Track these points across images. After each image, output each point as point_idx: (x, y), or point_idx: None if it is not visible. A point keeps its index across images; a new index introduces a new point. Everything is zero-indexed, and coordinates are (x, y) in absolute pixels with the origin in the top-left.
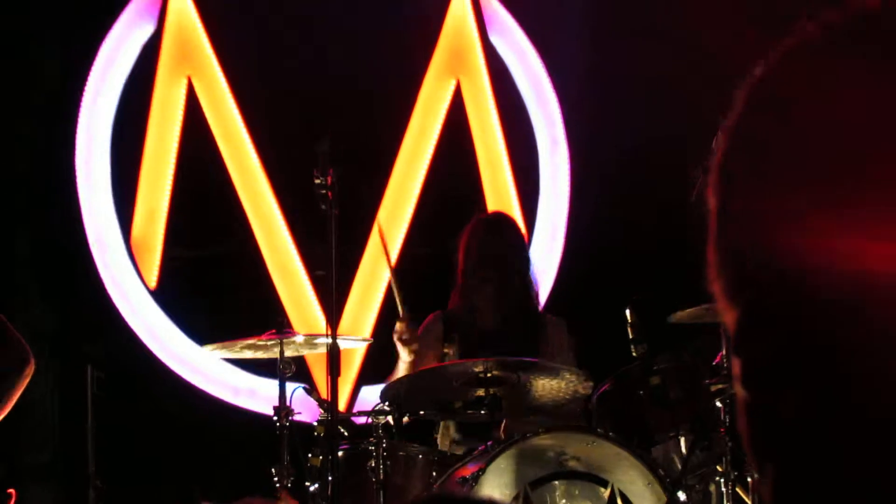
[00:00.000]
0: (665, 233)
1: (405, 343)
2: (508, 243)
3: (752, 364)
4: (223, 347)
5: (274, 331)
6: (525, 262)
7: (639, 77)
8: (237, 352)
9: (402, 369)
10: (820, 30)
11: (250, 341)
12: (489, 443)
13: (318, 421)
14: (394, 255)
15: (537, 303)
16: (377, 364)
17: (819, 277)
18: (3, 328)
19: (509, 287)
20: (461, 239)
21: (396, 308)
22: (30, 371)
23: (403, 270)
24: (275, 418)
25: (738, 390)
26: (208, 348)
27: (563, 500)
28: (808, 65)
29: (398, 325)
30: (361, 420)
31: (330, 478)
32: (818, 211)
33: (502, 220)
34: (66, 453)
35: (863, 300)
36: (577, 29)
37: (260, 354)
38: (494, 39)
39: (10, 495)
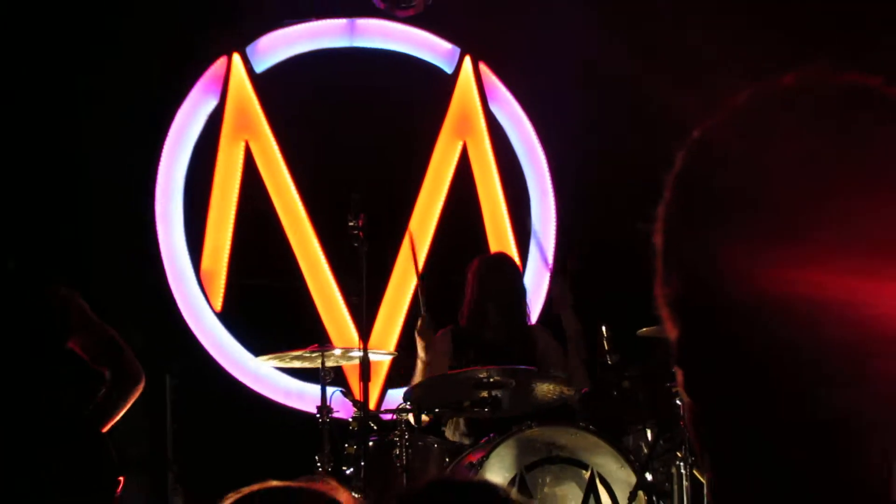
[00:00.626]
0: (634, 266)
1: (422, 336)
2: (508, 279)
3: (690, 374)
4: (275, 358)
5: (316, 345)
6: (521, 291)
7: (615, 133)
8: (287, 362)
9: (419, 370)
10: (748, 99)
11: (297, 353)
12: (491, 435)
13: (352, 417)
14: (412, 287)
15: (528, 320)
16: (401, 372)
17: (732, 303)
18: (119, 347)
19: (508, 311)
20: (469, 272)
21: (417, 315)
22: (141, 387)
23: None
24: (317, 416)
25: (683, 395)
26: (262, 358)
27: (552, 481)
28: (736, 126)
29: (419, 322)
30: (388, 417)
31: (362, 463)
32: (734, 245)
33: (504, 259)
34: (150, 447)
35: (764, 317)
36: (562, 98)
37: (306, 364)
38: (494, 108)
39: (118, 482)
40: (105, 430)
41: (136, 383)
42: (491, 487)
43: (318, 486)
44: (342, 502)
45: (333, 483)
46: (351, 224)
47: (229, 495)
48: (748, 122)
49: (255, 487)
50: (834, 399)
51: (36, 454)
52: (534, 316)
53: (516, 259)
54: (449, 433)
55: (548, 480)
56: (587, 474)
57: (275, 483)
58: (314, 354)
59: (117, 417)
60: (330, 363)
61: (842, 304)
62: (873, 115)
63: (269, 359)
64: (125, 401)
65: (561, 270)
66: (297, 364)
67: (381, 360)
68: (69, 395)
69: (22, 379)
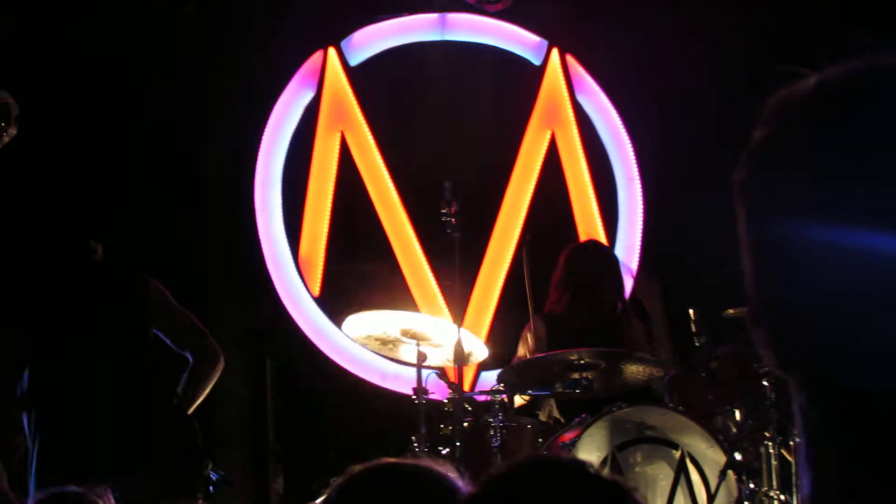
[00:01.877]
0: (720, 248)
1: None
2: (599, 263)
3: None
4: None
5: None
6: (612, 277)
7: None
8: (377, 345)
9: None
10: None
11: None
12: (583, 415)
13: (447, 399)
14: (504, 269)
15: (621, 305)
16: (494, 353)
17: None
18: (200, 330)
19: (600, 295)
20: (562, 257)
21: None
22: (221, 366)
23: (511, 284)
24: (413, 397)
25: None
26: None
27: (643, 460)
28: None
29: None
30: (482, 398)
31: (458, 444)
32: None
33: (595, 245)
34: (252, 426)
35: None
36: (645, 87)
37: (401, 352)
38: (581, 98)
39: (206, 464)
40: (190, 411)
41: (217, 362)
42: (581, 465)
43: (425, 462)
44: (450, 478)
45: (439, 460)
46: (444, 212)
47: (349, 469)
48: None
49: (361, 466)
50: None
51: (127, 438)
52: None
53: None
54: (542, 415)
55: (639, 460)
56: (678, 454)
57: (384, 460)
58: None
59: (201, 398)
60: (424, 348)
61: None
62: None
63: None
64: (208, 381)
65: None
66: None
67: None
68: (156, 379)
69: (114, 365)
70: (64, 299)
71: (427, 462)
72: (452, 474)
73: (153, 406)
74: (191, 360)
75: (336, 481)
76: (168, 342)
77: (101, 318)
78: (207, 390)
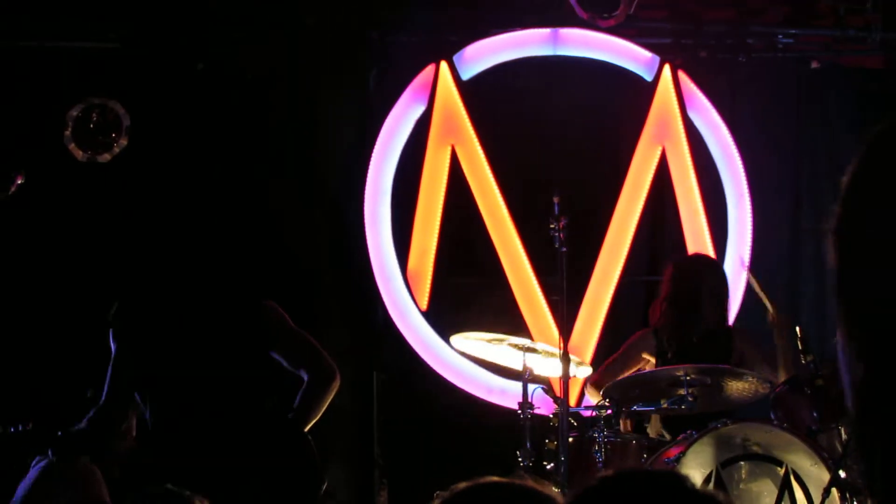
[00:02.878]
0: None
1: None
2: (723, 278)
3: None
4: (473, 338)
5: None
6: (717, 291)
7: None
8: (486, 346)
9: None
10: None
11: (501, 337)
12: (689, 431)
13: (553, 414)
14: (613, 283)
15: (726, 321)
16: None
17: None
18: (316, 349)
19: (706, 311)
20: (668, 271)
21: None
22: (337, 384)
23: (619, 295)
24: (519, 412)
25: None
26: (465, 336)
27: (747, 477)
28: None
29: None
30: (588, 413)
31: (563, 458)
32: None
33: (704, 260)
34: (357, 442)
35: None
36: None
37: (506, 358)
38: (692, 115)
39: (323, 481)
40: (307, 428)
41: (332, 380)
42: (677, 477)
43: (528, 483)
44: (551, 498)
45: (543, 481)
46: (552, 227)
47: (439, 493)
48: None
49: (465, 484)
50: None
51: (246, 457)
52: (732, 313)
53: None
54: (650, 430)
55: (743, 476)
56: (782, 471)
57: (487, 479)
58: (518, 344)
59: (318, 416)
60: (532, 363)
61: None
62: None
63: (471, 336)
64: (324, 399)
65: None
66: (501, 359)
67: (582, 356)
68: (273, 400)
69: (236, 388)
70: (182, 327)
71: (530, 482)
72: (554, 495)
73: (270, 426)
74: (305, 378)
75: (439, 498)
76: (283, 362)
77: (219, 346)
78: (322, 409)
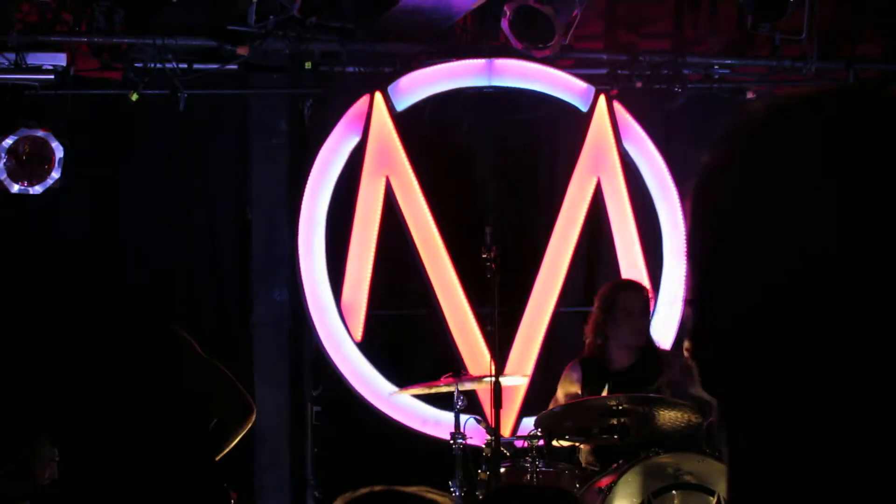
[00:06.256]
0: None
1: None
2: (641, 302)
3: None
4: (410, 391)
5: (451, 375)
6: (645, 317)
7: None
8: (423, 390)
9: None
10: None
11: (430, 387)
12: (620, 461)
13: (485, 444)
14: (549, 313)
15: (657, 347)
16: (537, 398)
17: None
18: (232, 384)
19: (637, 335)
20: (598, 298)
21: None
22: (253, 419)
23: (554, 326)
24: (451, 442)
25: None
26: (398, 391)
27: None
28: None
29: None
30: (520, 443)
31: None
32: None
33: (634, 284)
34: (292, 470)
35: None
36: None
37: (442, 390)
38: (627, 145)
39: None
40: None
41: (249, 415)
42: (558, 489)
43: (421, 492)
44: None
45: (436, 491)
46: (484, 256)
47: (341, 496)
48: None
49: (362, 491)
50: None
51: (158, 486)
52: (668, 343)
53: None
54: (581, 459)
55: None
56: (714, 500)
57: (378, 488)
58: (446, 388)
59: (227, 449)
60: (464, 388)
61: None
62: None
63: (404, 392)
64: (238, 434)
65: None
66: (433, 390)
67: (516, 386)
68: (185, 431)
69: (146, 419)
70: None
71: (421, 490)
72: (444, 503)
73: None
74: (221, 411)
75: None
76: (196, 395)
77: (134, 378)
78: (234, 442)
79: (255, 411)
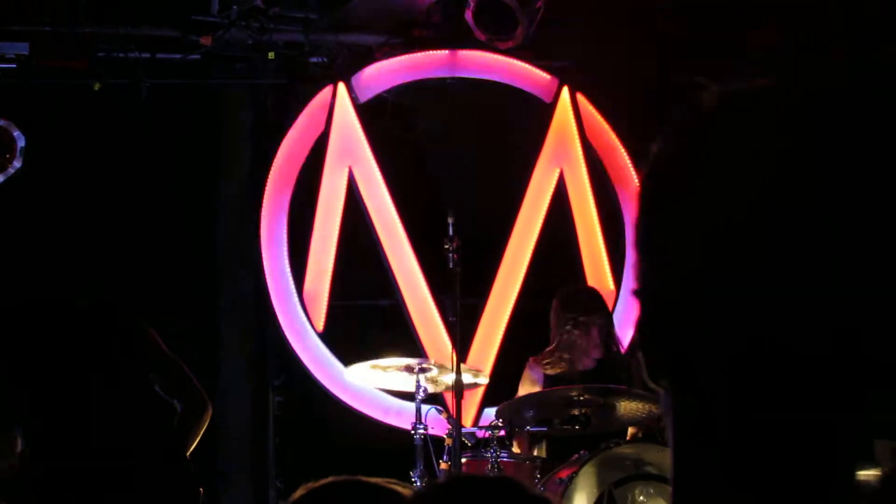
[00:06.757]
0: None
1: None
2: (599, 312)
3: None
4: (370, 365)
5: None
6: (608, 319)
7: None
8: (382, 370)
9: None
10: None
11: (392, 361)
12: (581, 451)
13: (446, 434)
14: (511, 304)
15: (620, 347)
16: (499, 388)
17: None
18: (189, 378)
19: (598, 346)
20: (556, 310)
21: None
22: (209, 414)
23: (517, 320)
24: (412, 432)
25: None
26: (356, 366)
27: (641, 497)
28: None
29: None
30: (482, 434)
31: None
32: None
33: (588, 298)
34: (253, 462)
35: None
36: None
37: (403, 384)
38: (591, 137)
39: (199, 493)
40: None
41: (206, 410)
42: (510, 480)
43: (387, 482)
44: (399, 494)
45: (400, 482)
46: (447, 247)
47: (304, 486)
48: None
49: (325, 481)
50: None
51: (124, 480)
52: (626, 342)
53: (610, 284)
54: (539, 451)
55: (636, 497)
56: None
57: (341, 478)
58: (405, 364)
59: (192, 446)
60: (426, 383)
61: None
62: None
63: (364, 365)
64: (199, 429)
65: None
66: (395, 384)
67: (473, 381)
68: (150, 424)
69: (111, 410)
70: (60, 350)
71: (375, 480)
72: (401, 492)
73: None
74: (179, 408)
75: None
76: (157, 389)
77: (100, 367)
78: (198, 439)
79: (210, 407)
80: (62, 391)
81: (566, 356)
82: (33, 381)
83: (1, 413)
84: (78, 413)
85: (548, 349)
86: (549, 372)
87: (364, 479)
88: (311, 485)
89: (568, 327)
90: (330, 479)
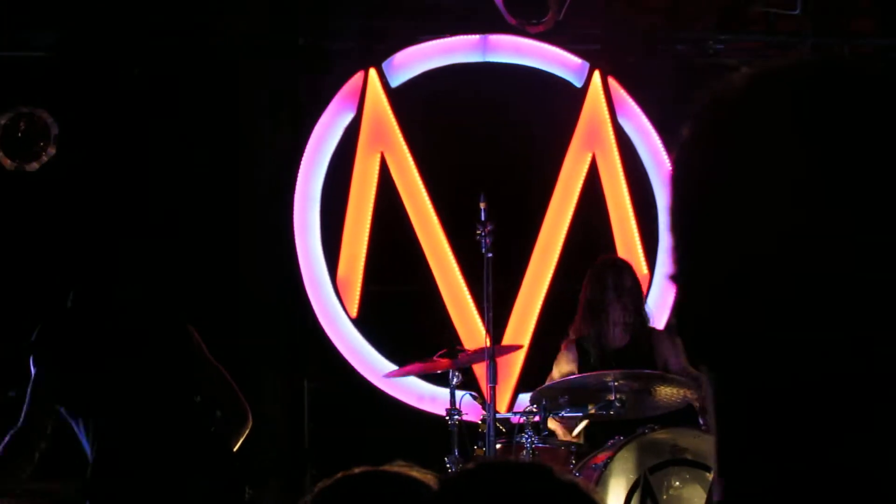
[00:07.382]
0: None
1: None
2: (631, 279)
3: None
4: (403, 374)
5: (446, 351)
6: (636, 293)
7: None
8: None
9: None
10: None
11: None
12: (617, 437)
13: (481, 420)
14: (544, 289)
15: (650, 325)
16: (533, 373)
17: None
18: (232, 387)
19: (630, 312)
20: (588, 278)
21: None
22: (249, 425)
23: (549, 302)
24: (447, 418)
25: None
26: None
27: (676, 483)
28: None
29: None
30: (516, 419)
31: None
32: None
33: (624, 262)
34: (289, 449)
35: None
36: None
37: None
38: (622, 121)
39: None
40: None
41: (246, 421)
42: (541, 466)
43: (405, 470)
44: (428, 484)
45: (417, 468)
46: (479, 232)
47: (322, 482)
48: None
49: (343, 474)
50: None
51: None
52: (660, 323)
53: (644, 268)
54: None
55: (672, 483)
56: (711, 476)
57: (361, 469)
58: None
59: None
60: (460, 366)
61: None
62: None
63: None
64: (237, 440)
65: None
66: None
67: (512, 362)
68: (199, 425)
69: (165, 408)
70: (110, 351)
71: (404, 469)
72: (428, 481)
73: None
74: (219, 415)
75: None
76: (198, 395)
77: (150, 368)
78: (236, 447)
79: (250, 420)
80: (116, 393)
81: (592, 321)
82: (85, 385)
83: (40, 420)
84: (137, 410)
85: (577, 316)
86: (574, 337)
87: (381, 468)
88: (326, 481)
89: (600, 287)
90: (342, 473)
